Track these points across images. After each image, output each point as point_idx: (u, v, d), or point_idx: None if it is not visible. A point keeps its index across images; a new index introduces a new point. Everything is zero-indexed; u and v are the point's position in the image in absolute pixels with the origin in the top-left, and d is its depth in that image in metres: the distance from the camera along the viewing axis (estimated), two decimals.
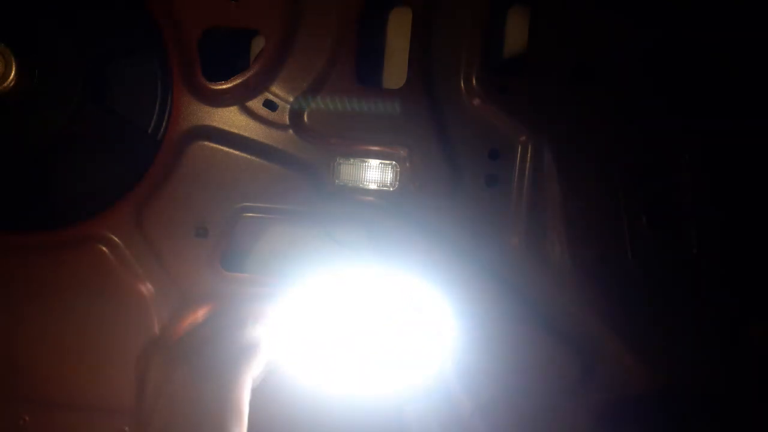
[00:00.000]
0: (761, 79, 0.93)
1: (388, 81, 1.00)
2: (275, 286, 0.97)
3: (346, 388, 0.96)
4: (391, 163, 0.94)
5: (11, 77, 0.83)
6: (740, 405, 1.00)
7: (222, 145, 0.93)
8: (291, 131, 0.93)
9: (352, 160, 0.94)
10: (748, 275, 0.97)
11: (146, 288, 0.96)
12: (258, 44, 0.98)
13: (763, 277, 0.96)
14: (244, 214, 0.94)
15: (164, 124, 0.93)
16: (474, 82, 0.91)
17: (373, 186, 0.95)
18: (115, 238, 0.94)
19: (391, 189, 0.95)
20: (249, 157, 0.93)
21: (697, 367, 0.98)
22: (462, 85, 0.92)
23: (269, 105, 0.92)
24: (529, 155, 0.93)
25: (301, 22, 0.90)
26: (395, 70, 0.98)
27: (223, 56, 0.99)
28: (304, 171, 0.94)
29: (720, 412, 1.01)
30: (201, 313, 0.93)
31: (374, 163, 0.95)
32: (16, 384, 0.98)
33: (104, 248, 0.94)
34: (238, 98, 0.92)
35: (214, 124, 0.93)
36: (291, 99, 0.92)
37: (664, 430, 1.00)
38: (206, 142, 0.93)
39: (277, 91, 0.92)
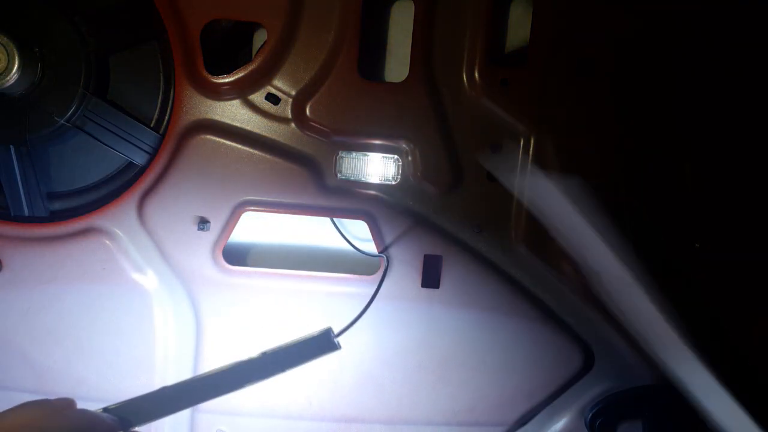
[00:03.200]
0: (760, 76, 0.93)
1: (390, 74, 1.00)
2: (276, 279, 0.97)
3: None
4: (392, 157, 0.95)
5: (14, 70, 0.83)
6: (742, 397, 1.00)
7: (224, 138, 0.93)
8: (293, 125, 0.93)
9: (354, 153, 0.95)
10: (751, 269, 0.97)
11: (148, 280, 0.96)
12: (260, 37, 0.98)
13: (765, 269, 0.96)
14: (246, 208, 0.94)
15: (166, 117, 0.93)
16: (476, 74, 0.91)
17: (374, 179, 0.95)
18: (118, 231, 0.94)
19: (393, 182, 0.95)
20: (251, 150, 0.93)
21: (698, 360, 0.98)
22: (464, 77, 0.92)
23: (271, 98, 0.92)
24: (531, 149, 0.93)
25: (304, 15, 0.90)
26: (397, 64, 0.98)
27: (226, 49, 0.99)
28: (306, 164, 0.94)
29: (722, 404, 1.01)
30: None
31: (376, 156, 0.95)
32: (22, 375, 0.99)
33: (107, 241, 0.94)
34: (240, 92, 0.92)
35: (216, 117, 0.93)
36: (293, 92, 0.92)
37: (664, 422, 1.01)
38: (208, 136, 0.93)
39: (279, 85, 0.92)
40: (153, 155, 0.93)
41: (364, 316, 0.96)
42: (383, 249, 0.95)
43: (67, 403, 0.57)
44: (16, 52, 0.83)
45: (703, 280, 0.96)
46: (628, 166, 0.93)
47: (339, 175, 0.95)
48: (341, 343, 0.74)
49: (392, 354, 0.98)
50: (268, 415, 1.00)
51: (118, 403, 0.62)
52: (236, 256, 1.03)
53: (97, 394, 1.00)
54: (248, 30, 0.99)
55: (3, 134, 0.90)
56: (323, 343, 0.79)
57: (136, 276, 0.96)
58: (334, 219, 0.99)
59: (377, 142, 0.94)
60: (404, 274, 0.96)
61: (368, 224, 0.95)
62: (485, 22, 0.90)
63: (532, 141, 0.93)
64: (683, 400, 1.00)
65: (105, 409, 0.61)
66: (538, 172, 0.93)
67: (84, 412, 0.57)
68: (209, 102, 0.92)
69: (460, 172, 0.94)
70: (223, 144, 0.93)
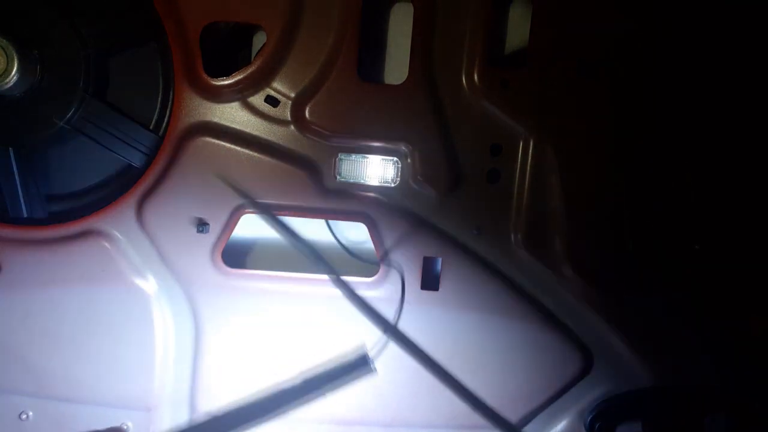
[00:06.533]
0: (760, 77, 0.93)
1: (390, 76, 1.00)
2: (275, 281, 0.97)
3: None
4: (392, 159, 0.95)
5: (13, 72, 0.83)
6: (741, 398, 1.00)
7: (223, 140, 0.93)
8: (292, 127, 0.93)
9: (353, 156, 0.94)
10: (750, 270, 0.97)
11: (147, 282, 0.96)
12: (260, 39, 0.98)
13: (764, 271, 0.96)
14: (246, 210, 0.94)
15: (165, 119, 0.93)
16: (475, 77, 0.91)
17: (374, 182, 0.95)
18: (117, 233, 0.94)
19: (393, 185, 0.95)
20: (250, 152, 0.93)
21: (698, 361, 0.98)
22: (463, 80, 0.92)
23: (271, 101, 0.92)
24: (530, 151, 0.93)
25: (303, 17, 0.90)
26: (397, 66, 0.98)
27: (225, 51, 0.99)
28: (305, 166, 0.94)
29: (721, 406, 1.01)
30: None
31: (375, 159, 0.95)
32: (20, 378, 0.98)
33: (106, 243, 0.94)
34: (239, 94, 0.92)
35: (216, 119, 0.93)
36: (293, 95, 0.92)
37: (664, 424, 1.00)
38: (207, 138, 0.92)
39: (278, 87, 0.92)
40: (152, 157, 0.92)
41: (364, 317, 0.96)
42: (383, 256, 0.95)
43: None
44: (15, 54, 0.83)
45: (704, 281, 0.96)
46: (628, 167, 0.94)
47: (338, 177, 0.94)
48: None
49: (392, 356, 0.98)
50: (268, 417, 1.00)
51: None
52: (235, 258, 1.03)
53: (95, 396, 0.99)
54: (248, 32, 0.99)
55: (2, 136, 0.90)
56: (361, 368, 0.80)
57: (135, 278, 0.96)
58: (332, 229, 1.00)
59: (376, 144, 0.94)
60: (404, 275, 0.96)
61: (367, 226, 0.95)
62: (484, 24, 0.90)
63: (531, 142, 0.93)
64: (682, 402, 1.00)
65: None
66: (538, 174, 0.93)
67: None
68: (208, 104, 0.92)
69: (460, 174, 0.94)
70: (223, 146, 0.93)
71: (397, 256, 0.95)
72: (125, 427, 0.99)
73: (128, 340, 0.97)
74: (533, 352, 0.98)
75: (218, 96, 0.92)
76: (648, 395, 1.00)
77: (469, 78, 0.91)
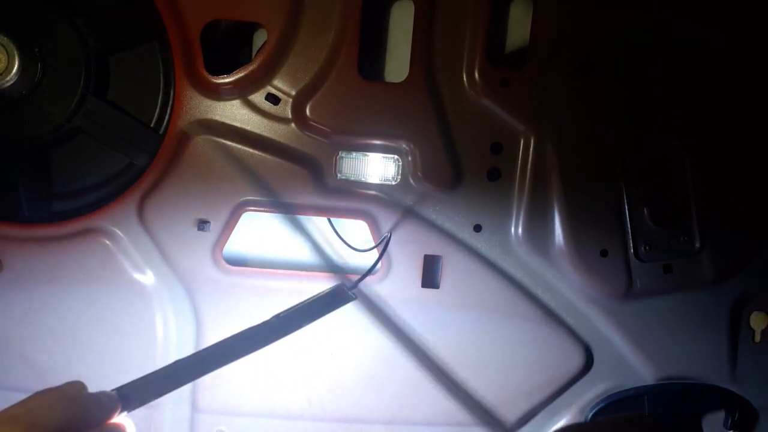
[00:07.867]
0: (759, 76, 0.93)
1: (390, 74, 1.00)
2: (277, 279, 0.97)
3: None
4: (393, 157, 0.95)
5: (14, 71, 0.83)
6: (740, 394, 1.00)
7: (224, 138, 0.93)
8: (293, 125, 0.93)
9: (354, 154, 0.95)
10: (749, 267, 0.97)
11: (148, 280, 0.96)
12: (260, 37, 0.98)
13: (763, 268, 0.97)
14: (246, 208, 0.94)
15: (166, 117, 0.93)
16: (476, 75, 0.91)
17: (375, 180, 0.95)
18: (118, 231, 0.94)
19: (393, 183, 0.95)
20: (251, 150, 0.93)
21: (697, 358, 0.99)
22: (464, 78, 0.92)
23: (271, 99, 0.92)
24: (531, 149, 0.93)
25: (304, 15, 0.90)
26: (397, 64, 0.98)
27: (226, 49, 0.99)
28: (306, 165, 0.94)
29: (721, 402, 1.01)
30: None
31: (376, 156, 0.95)
32: (22, 375, 0.99)
33: (107, 241, 0.94)
34: (240, 92, 0.92)
35: (216, 117, 0.93)
36: (293, 93, 0.92)
37: (664, 420, 1.01)
38: (208, 136, 0.93)
39: (279, 85, 0.92)
40: (153, 155, 0.93)
41: (363, 317, 0.97)
42: (387, 236, 0.95)
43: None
44: (16, 52, 0.83)
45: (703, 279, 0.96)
46: (628, 165, 0.94)
47: (339, 175, 0.95)
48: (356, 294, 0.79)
49: (392, 354, 0.98)
50: (268, 416, 1.00)
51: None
52: (236, 256, 1.03)
53: None
54: (248, 30, 0.99)
55: (3, 135, 0.90)
56: (338, 296, 0.80)
57: (136, 276, 0.96)
58: (331, 220, 0.99)
59: (377, 142, 0.94)
60: (404, 274, 0.96)
61: (368, 225, 0.95)
62: (485, 22, 0.90)
63: (532, 141, 0.93)
64: (683, 400, 1.00)
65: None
66: (539, 173, 0.93)
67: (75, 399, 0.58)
68: (209, 102, 0.92)
69: (460, 172, 0.94)
70: (223, 144, 0.93)
71: (398, 254, 0.95)
72: (125, 425, 1.00)
73: (129, 338, 0.97)
74: (534, 350, 0.98)
75: (219, 94, 0.92)
76: (649, 393, 1.00)
77: (470, 76, 0.91)
